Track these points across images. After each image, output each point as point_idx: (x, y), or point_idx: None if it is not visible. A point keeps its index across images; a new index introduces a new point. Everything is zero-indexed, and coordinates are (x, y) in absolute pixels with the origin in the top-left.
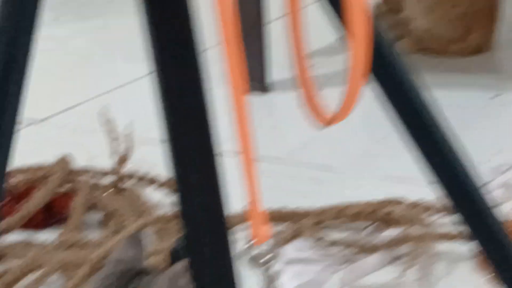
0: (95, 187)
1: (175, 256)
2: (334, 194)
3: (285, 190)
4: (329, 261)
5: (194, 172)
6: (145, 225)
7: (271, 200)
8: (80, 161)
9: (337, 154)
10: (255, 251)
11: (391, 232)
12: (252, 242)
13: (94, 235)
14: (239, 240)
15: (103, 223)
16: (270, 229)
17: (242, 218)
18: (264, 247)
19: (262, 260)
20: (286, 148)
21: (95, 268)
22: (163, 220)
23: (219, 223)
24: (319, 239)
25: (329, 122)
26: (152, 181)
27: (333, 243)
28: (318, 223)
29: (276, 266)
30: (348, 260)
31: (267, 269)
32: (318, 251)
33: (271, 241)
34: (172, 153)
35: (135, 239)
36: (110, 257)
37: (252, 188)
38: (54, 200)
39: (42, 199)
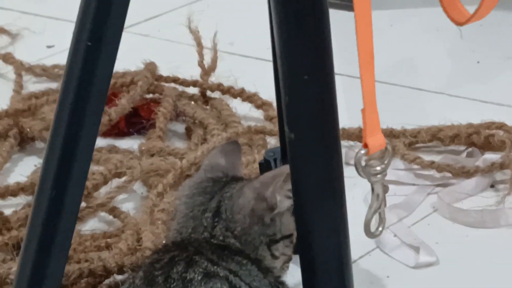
0: (181, 96)
1: (264, 167)
2: (431, 115)
3: (380, 109)
4: (424, 183)
5: (308, 85)
6: (230, 137)
7: None
8: (162, 71)
9: (433, 75)
10: (367, 161)
11: (490, 157)
12: (364, 151)
13: (178, 144)
14: (350, 151)
15: (188, 132)
16: (384, 139)
17: (353, 132)
18: (376, 157)
19: (373, 170)
20: (378, 67)
21: (180, 177)
22: (248, 132)
23: (330, 132)
24: (414, 159)
25: (466, 20)
26: (238, 94)
27: (429, 165)
28: (413, 143)
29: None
30: (443, 183)
31: (378, 179)
32: (412, 172)
33: (383, 152)
34: (284, 67)
35: (232, 147)
36: (205, 163)
37: (369, 98)
38: (138, 108)
39: (126, 105)
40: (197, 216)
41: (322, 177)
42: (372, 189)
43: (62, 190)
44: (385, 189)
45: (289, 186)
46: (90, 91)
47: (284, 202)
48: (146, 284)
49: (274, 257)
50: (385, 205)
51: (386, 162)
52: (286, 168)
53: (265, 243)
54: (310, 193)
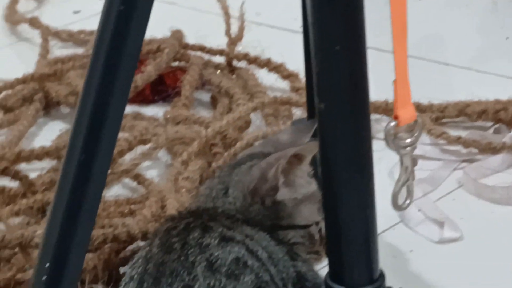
0: (207, 65)
1: None
2: (458, 90)
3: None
4: (450, 158)
5: (340, 56)
6: (256, 107)
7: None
8: (189, 39)
9: (462, 50)
10: (396, 133)
11: None
12: (394, 123)
13: (203, 113)
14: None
15: (213, 101)
16: (414, 111)
17: (380, 105)
18: (405, 129)
19: (402, 142)
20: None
21: (205, 145)
22: (274, 103)
23: (360, 102)
24: (441, 134)
25: None
26: (264, 64)
27: (455, 140)
28: (440, 118)
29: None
30: (469, 159)
31: (407, 152)
32: (438, 147)
33: (413, 124)
34: (316, 37)
35: (304, 125)
36: (271, 136)
37: (401, 70)
38: (164, 75)
39: (152, 73)
40: (212, 186)
41: (351, 148)
42: (401, 162)
43: (90, 157)
44: (414, 162)
45: (308, 168)
46: (121, 56)
47: (302, 187)
48: (163, 252)
49: (278, 242)
50: (413, 178)
51: (416, 134)
52: (291, 150)
53: (267, 225)
54: (339, 163)
